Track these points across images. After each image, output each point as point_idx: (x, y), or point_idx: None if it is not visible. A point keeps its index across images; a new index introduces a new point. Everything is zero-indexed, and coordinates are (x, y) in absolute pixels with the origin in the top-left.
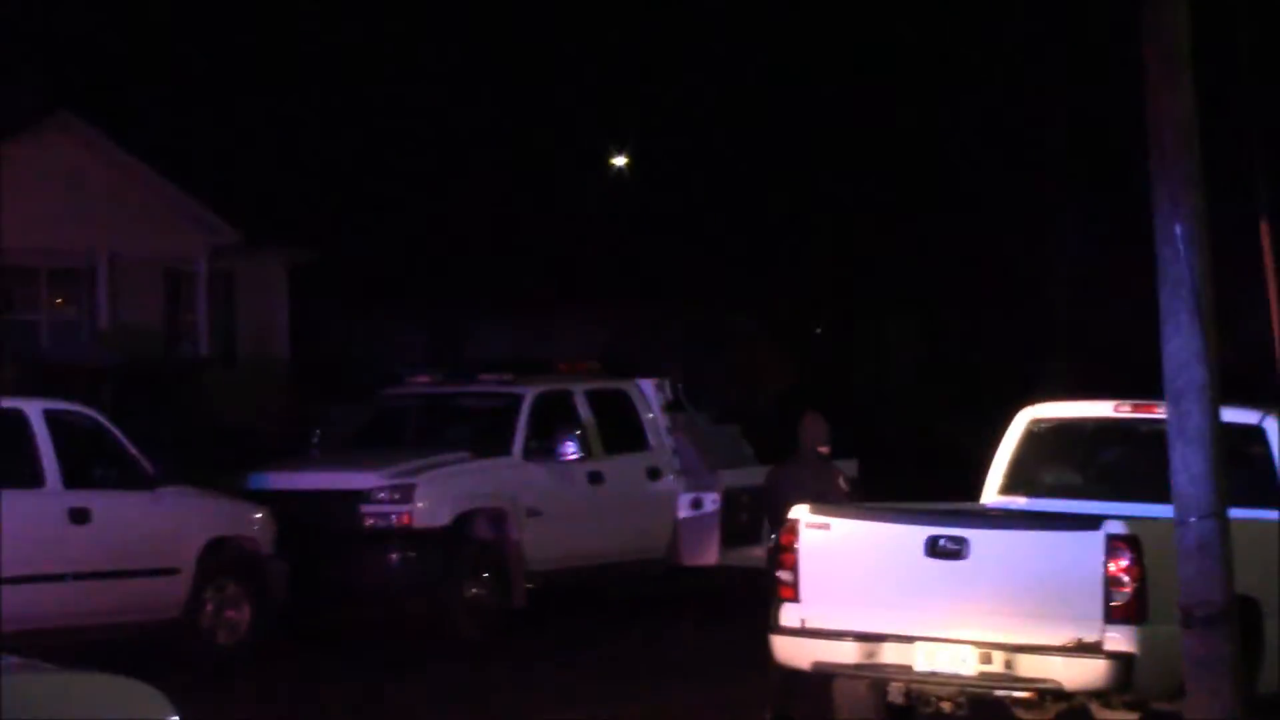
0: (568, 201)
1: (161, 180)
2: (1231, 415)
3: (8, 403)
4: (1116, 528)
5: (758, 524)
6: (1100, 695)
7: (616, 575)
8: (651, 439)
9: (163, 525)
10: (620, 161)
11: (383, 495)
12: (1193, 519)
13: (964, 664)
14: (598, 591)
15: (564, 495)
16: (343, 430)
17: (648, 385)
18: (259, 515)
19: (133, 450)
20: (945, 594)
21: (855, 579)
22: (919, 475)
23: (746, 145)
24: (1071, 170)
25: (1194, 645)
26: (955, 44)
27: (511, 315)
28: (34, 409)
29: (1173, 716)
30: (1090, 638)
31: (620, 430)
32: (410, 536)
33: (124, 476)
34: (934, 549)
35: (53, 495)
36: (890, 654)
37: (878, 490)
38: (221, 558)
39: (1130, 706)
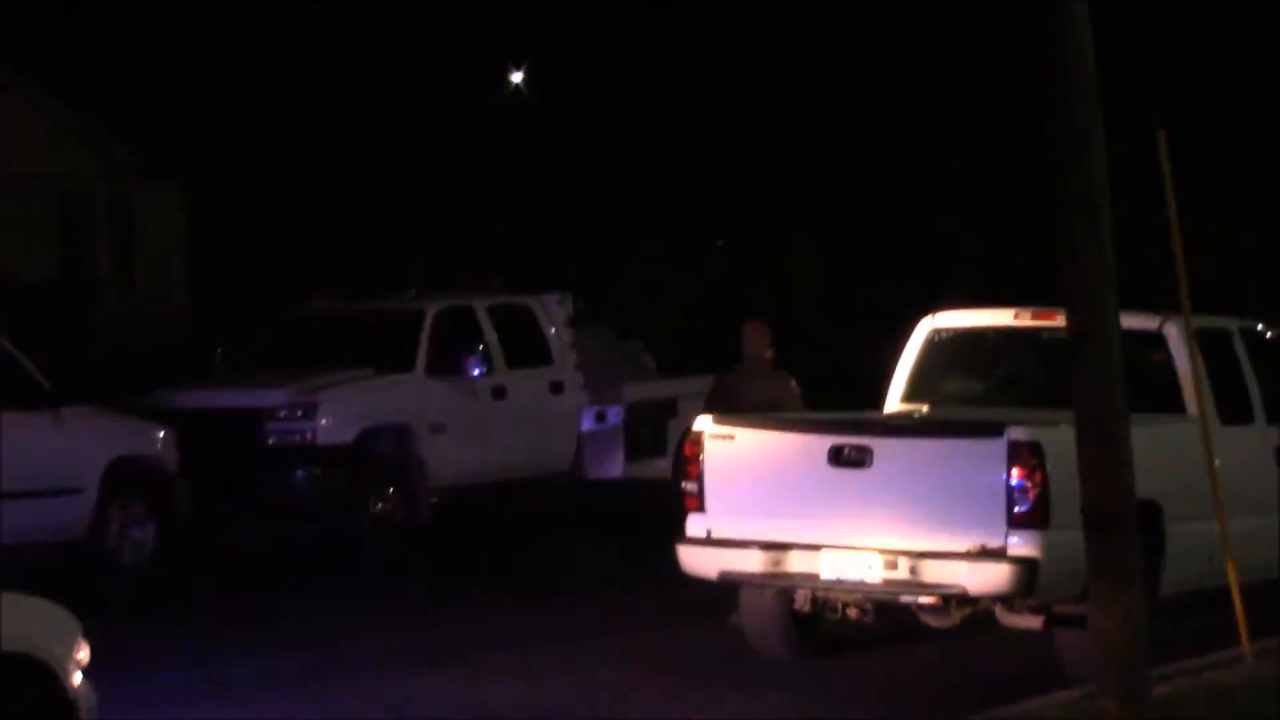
0: (470, 117)
1: (55, 100)
2: (1131, 322)
3: None
4: (1019, 434)
5: (661, 436)
6: (1005, 599)
7: (521, 490)
8: (555, 354)
9: (64, 445)
10: (518, 78)
11: (286, 413)
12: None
13: (869, 571)
14: (503, 506)
15: (468, 411)
16: (245, 349)
17: (550, 300)
18: (162, 434)
19: (32, 370)
20: (850, 502)
21: (760, 489)
22: (821, 390)
23: (652, 62)
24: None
25: (1096, 549)
26: None
27: (409, 240)
28: None
29: (1076, 619)
30: (994, 543)
31: (524, 345)
32: (314, 453)
33: (23, 396)
34: (838, 458)
35: None
36: (796, 562)
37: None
38: (125, 477)
39: (1034, 610)
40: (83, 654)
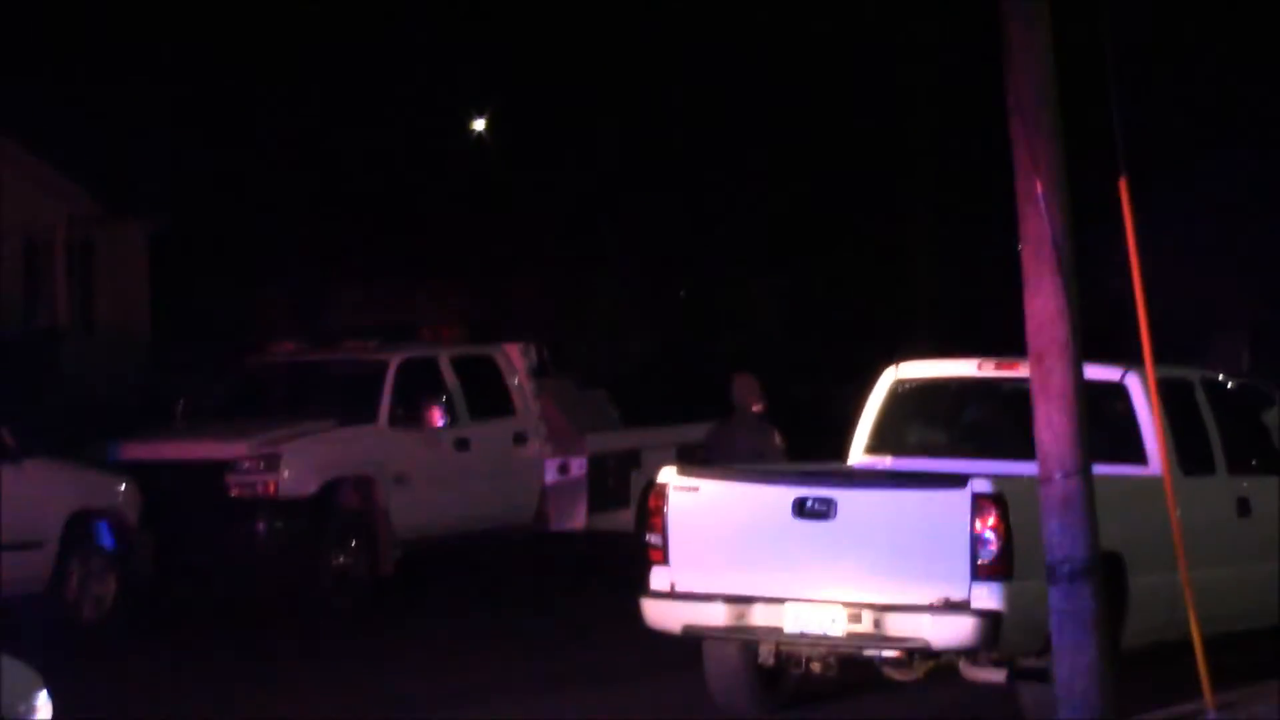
0: (428, 168)
1: (17, 148)
2: (1093, 372)
3: None
4: (982, 486)
5: (625, 488)
6: (968, 653)
7: (484, 541)
8: (518, 404)
9: (25, 497)
10: (479, 126)
11: (248, 464)
12: (1057, 476)
13: (833, 624)
14: (466, 558)
15: (430, 462)
16: (207, 400)
17: (513, 350)
18: (124, 486)
19: None
20: (813, 555)
21: (724, 541)
22: (785, 437)
23: (610, 111)
24: (933, 133)
25: (1060, 601)
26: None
27: (373, 283)
28: None
29: (1040, 672)
30: (957, 596)
31: (486, 396)
32: (276, 506)
33: None
34: (801, 510)
35: None
36: (760, 616)
37: None
38: (86, 530)
39: (998, 663)
40: (44, 711)
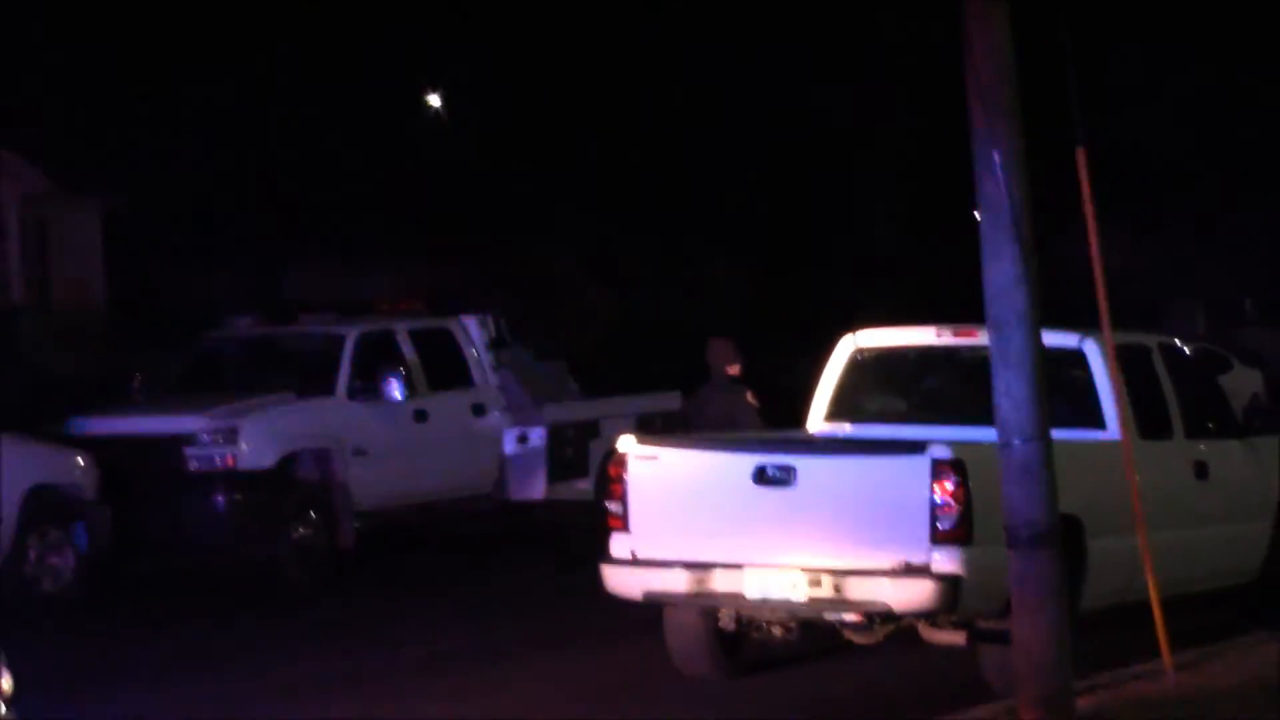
0: (386, 141)
1: None
2: (1051, 339)
3: None
4: (941, 452)
5: (584, 458)
6: (928, 616)
7: (444, 512)
8: (476, 376)
9: None
10: (436, 102)
11: (206, 438)
12: (1016, 441)
13: (794, 589)
14: (426, 529)
15: (389, 434)
16: (164, 374)
17: (471, 322)
18: (82, 461)
19: None
20: (774, 521)
21: (684, 509)
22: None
23: (574, 87)
24: (891, 105)
25: (1019, 565)
26: None
27: (331, 257)
28: None
29: (999, 634)
30: (917, 560)
31: (444, 368)
32: (235, 479)
33: None
34: (761, 477)
35: None
36: (720, 582)
37: None
38: (44, 505)
39: (958, 626)
40: (5, 683)
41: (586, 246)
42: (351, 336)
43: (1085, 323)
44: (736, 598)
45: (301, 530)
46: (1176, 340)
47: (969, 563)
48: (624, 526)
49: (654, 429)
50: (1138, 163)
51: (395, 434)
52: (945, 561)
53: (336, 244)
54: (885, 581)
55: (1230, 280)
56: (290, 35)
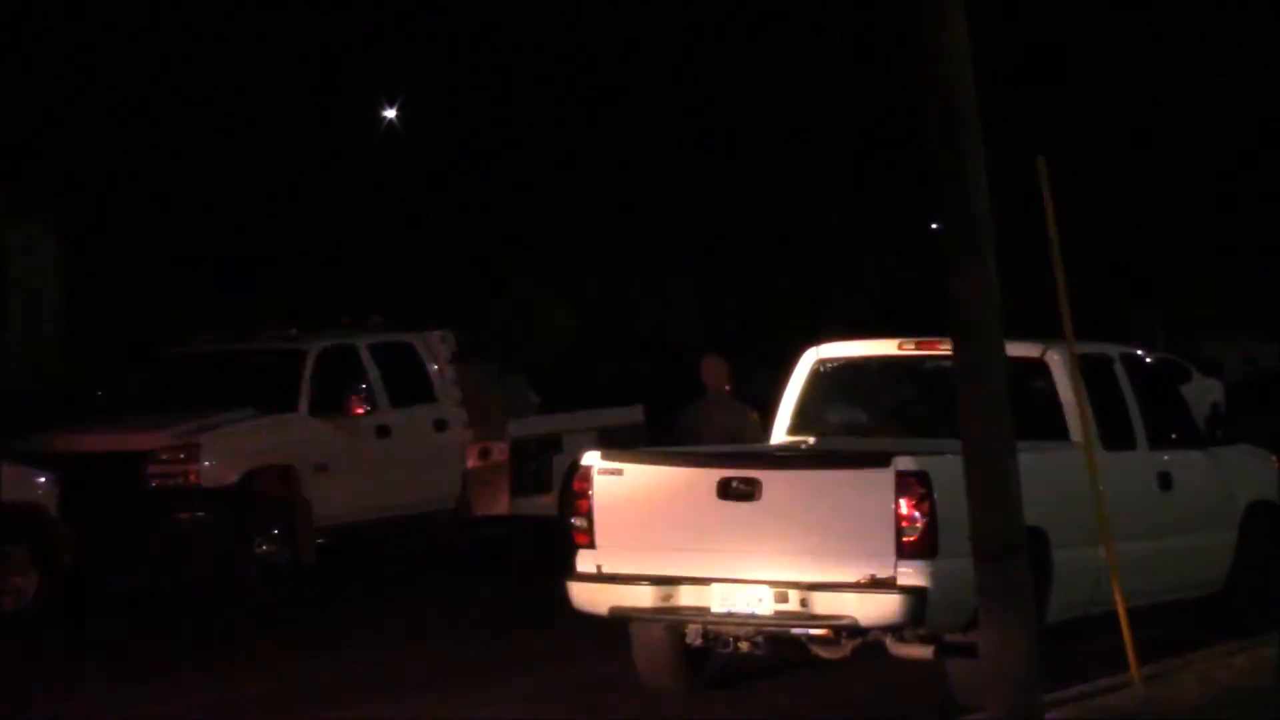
0: (343, 155)
1: None
2: (1014, 350)
3: None
4: (906, 464)
5: (547, 472)
6: (895, 630)
7: (407, 528)
8: (438, 391)
9: None
10: (391, 114)
11: (168, 455)
12: (980, 453)
13: (760, 604)
14: (389, 545)
15: (351, 449)
16: (125, 391)
17: (433, 338)
18: (43, 479)
19: None
20: (739, 535)
21: (650, 523)
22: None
23: (525, 95)
24: (848, 115)
25: (985, 577)
26: None
27: (295, 271)
28: None
29: (966, 647)
30: (883, 573)
31: (407, 383)
32: (197, 495)
33: None
34: (726, 491)
35: None
36: (686, 596)
37: (664, 436)
38: (4, 522)
39: (924, 640)
40: None
41: (545, 258)
42: (313, 352)
43: (1047, 333)
44: (703, 612)
45: (264, 546)
46: (1138, 350)
47: (935, 576)
48: (589, 542)
49: (616, 443)
50: (1097, 171)
51: (357, 449)
52: (911, 575)
53: (296, 258)
54: (851, 595)
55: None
56: (247, 48)
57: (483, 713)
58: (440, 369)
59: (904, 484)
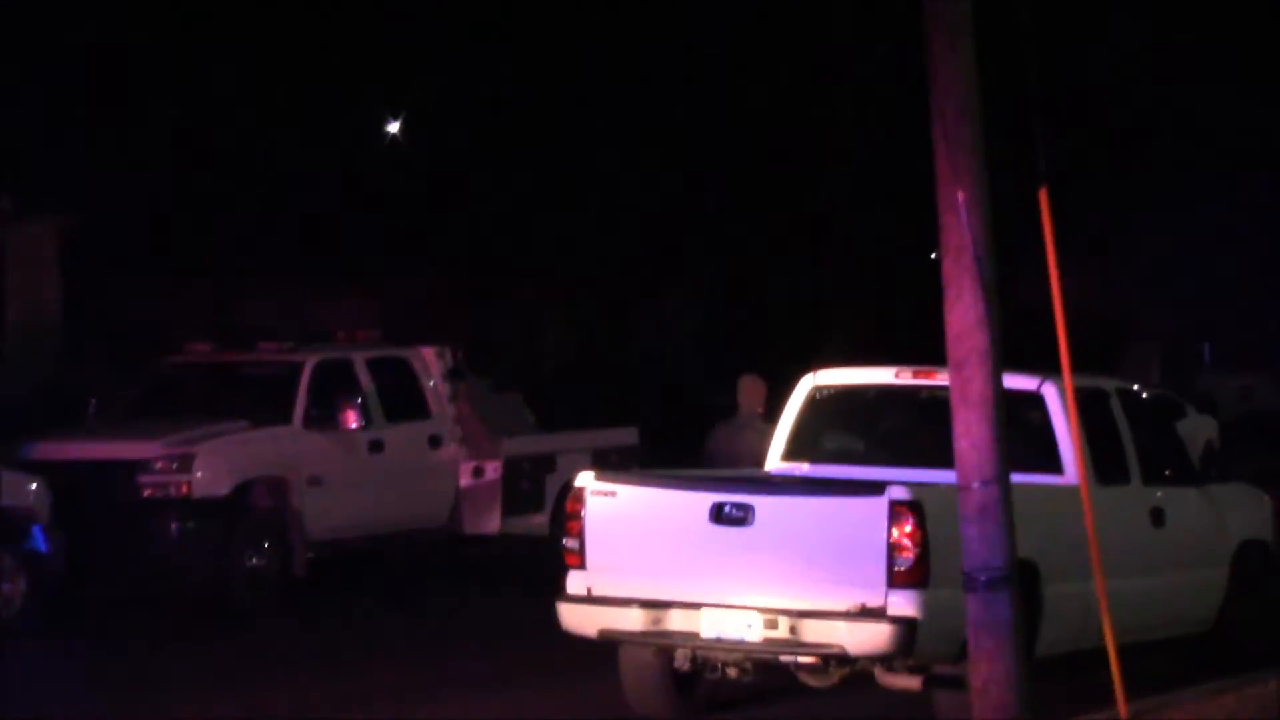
0: (342, 170)
1: None
2: (1011, 382)
3: None
4: (899, 493)
5: (540, 492)
6: (884, 659)
7: (398, 544)
8: (433, 407)
9: None
10: (394, 128)
11: (161, 464)
12: (975, 484)
13: (749, 630)
14: (379, 560)
15: (345, 464)
16: (120, 400)
17: (429, 353)
18: (34, 485)
19: None
20: (730, 560)
21: (641, 546)
22: (699, 444)
23: (523, 117)
24: (849, 141)
25: (976, 609)
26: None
27: (289, 284)
28: None
29: (955, 679)
30: (874, 602)
31: (401, 398)
32: (189, 506)
33: None
34: (719, 515)
35: None
36: (676, 621)
37: (660, 458)
38: None
39: (914, 670)
40: None
41: (544, 277)
42: (309, 365)
43: (1042, 365)
44: (692, 637)
45: (255, 559)
46: (1135, 386)
47: (926, 606)
48: (580, 563)
49: (611, 464)
50: (1096, 202)
51: (351, 464)
52: (902, 604)
53: (295, 271)
54: (841, 624)
55: (1188, 326)
56: (251, 57)
57: None
58: (436, 385)
59: (897, 513)
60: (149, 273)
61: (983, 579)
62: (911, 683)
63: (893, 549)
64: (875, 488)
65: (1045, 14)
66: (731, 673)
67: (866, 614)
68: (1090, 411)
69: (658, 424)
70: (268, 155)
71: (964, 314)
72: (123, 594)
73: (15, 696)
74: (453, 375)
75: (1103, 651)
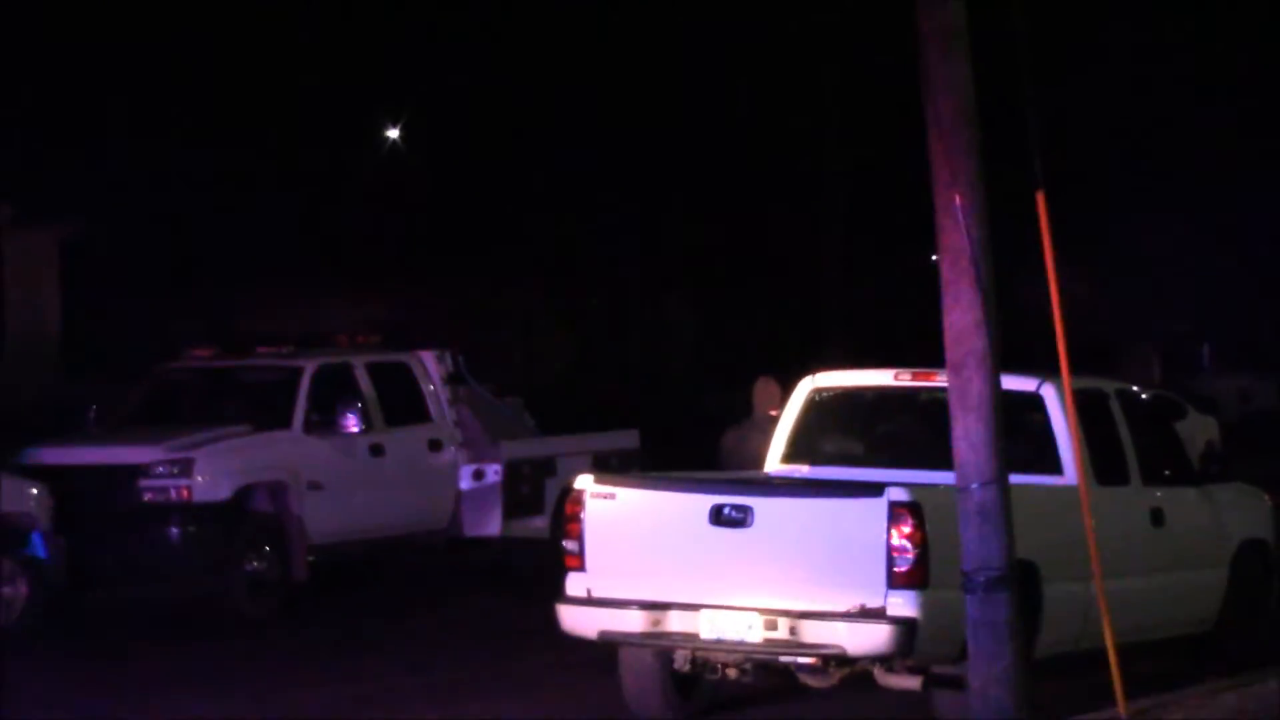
0: (339, 176)
1: None
2: (1010, 383)
3: None
4: (899, 495)
5: (540, 495)
6: (883, 660)
7: (399, 547)
8: (433, 411)
9: None
10: (394, 134)
11: (161, 469)
12: (974, 485)
13: (749, 631)
14: (380, 564)
15: (345, 468)
16: (121, 405)
17: (429, 358)
18: (35, 491)
19: None
20: (730, 562)
21: (640, 548)
22: (698, 446)
23: (522, 125)
24: (846, 145)
25: (975, 609)
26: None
27: (289, 289)
28: None
29: (955, 679)
30: (873, 603)
31: (401, 402)
32: (190, 511)
33: None
34: (718, 517)
35: None
36: (676, 622)
37: (659, 461)
38: None
39: (913, 670)
40: None
41: (543, 281)
42: (309, 370)
43: (1037, 365)
44: (691, 638)
45: (255, 563)
46: (1134, 387)
47: (925, 607)
48: (580, 565)
49: (611, 467)
50: (1093, 203)
51: (351, 468)
52: (901, 605)
53: (295, 277)
54: (841, 625)
55: (1187, 326)
56: (250, 65)
57: None
58: (436, 389)
59: (896, 515)
60: (148, 280)
61: (982, 580)
62: (911, 683)
63: (892, 550)
64: (874, 489)
65: (1040, 16)
66: (731, 674)
67: (866, 615)
68: (1089, 412)
69: (656, 427)
70: (268, 161)
71: (962, 316)
72: (123, 599)
73: (16, 701)
74: (453, 379)
75: (1102, 651)
